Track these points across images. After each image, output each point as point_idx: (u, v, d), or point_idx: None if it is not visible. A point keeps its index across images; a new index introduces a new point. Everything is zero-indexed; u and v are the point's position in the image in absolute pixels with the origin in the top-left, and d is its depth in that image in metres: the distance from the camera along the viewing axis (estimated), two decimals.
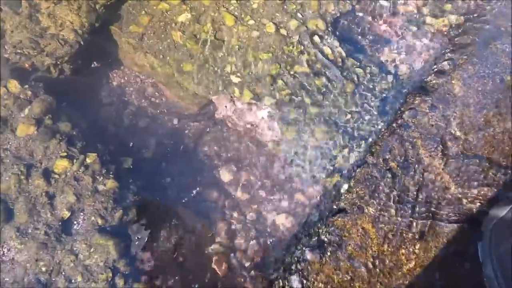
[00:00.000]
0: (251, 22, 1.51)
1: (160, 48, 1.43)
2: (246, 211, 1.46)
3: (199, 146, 1.52)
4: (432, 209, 1.31)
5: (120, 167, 1.25)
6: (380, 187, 1.31)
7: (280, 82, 1.46)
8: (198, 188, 1.44)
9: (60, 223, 1.09)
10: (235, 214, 1.47)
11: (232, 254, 1.37)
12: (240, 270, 1.30)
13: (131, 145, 1.39)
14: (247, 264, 1.34)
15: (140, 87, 1.49)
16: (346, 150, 1.40)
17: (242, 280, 1.26)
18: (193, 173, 1.47)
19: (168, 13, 1.47)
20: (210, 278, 1.28)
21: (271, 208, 1.44)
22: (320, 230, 1.24)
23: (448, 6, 1.71)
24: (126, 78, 1.48)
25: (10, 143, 1.15)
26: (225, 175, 1.52)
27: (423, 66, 1.67)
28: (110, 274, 1.06)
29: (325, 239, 1.20)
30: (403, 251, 1.20)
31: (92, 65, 1.47)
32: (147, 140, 1.45)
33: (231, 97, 1.43)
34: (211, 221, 1.43)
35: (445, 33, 1.74)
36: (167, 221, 1.31)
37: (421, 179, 1.33)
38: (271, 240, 1.37)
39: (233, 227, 1.44)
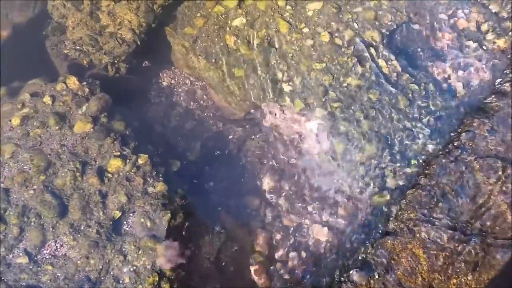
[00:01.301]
0: (306, 30, 1.47)
1: (213, 51, 1.41)
2: (287, 222, 1.44)
3: (243, 152, 1.50)
4: (487, 239, 1.25)
5: (169, 169, 1.25)
6: (433, 211, 1.26)
7: (332, 93, 1.42)
8: (239, 195, 1.43)
9: (111, 222, 1.10)
10: (276, 224, 1.45)
11: (272, 266, 1.35)
12: (280, 283, 1.28)
13: (177, 147, 1.39)
14: (286, 277, 1.32)
15: (190, 89, 1.49)
16: (397, 169, 1.35)
17: None
18: (235, 179, 1.45)
19: (223, 16, 1.46)
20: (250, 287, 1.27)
21: (312, 221, 1.41)
22: (368, 251, 1.20)
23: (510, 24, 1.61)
24: (176, 79, 1.48)
25: (67, 139, 1.16)
26: (267, 183, 1.50)
27: (482, 86, 1.59)
28: (157, 278, 1.06)
29: (373, 261, 1.16)
30: (455, 280, 1.14)
31: (143, 64, 1.48)
32: (192, 142, 1.44)
33: (281, 105, 1.41)
34: (252, 229, 1.41)
35: (507, 52, 1.65)
36: (210, 227, 1.30)
37: (476, 206, 1.27)
38: (312, 254, 1.34)
39: (273, 236, 1.43)
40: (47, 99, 1.18)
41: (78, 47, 1.29)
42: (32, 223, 1.05)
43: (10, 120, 1.14)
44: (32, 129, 1.14)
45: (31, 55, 1.30)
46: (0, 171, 1.09)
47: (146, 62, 1.46)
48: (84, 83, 1.24)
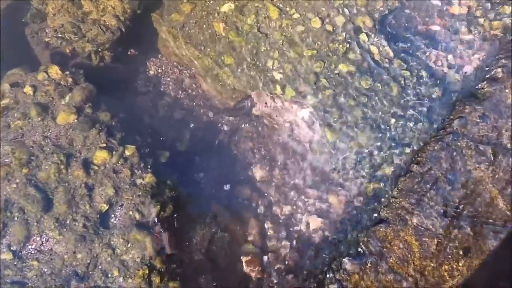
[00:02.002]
0: (296, 15, 1.43)
1: (201, 38, 1.37)
2: (279, 212, 1.42)
3: (233, 141, 1.47)
4: (478, 224, 1.25)
5: (157, 160, 1.22)
6: (425, 198, 1.25)
7: (323, 80, 1.39)
8: (230, 185, 1.40)
9: (98, 215, 1.06)
10: (268, 214, 1.43)
11: (264, 256, 1.34)
12: (273, 273, 1.27)
13: (166, 137, 1.36)
14: (279, 267, 1.31)
15: (178, 78, 1.45)
16: (389, 156, 1.33)
17: (274, 284, 1.23)
18: (226, 169, 1.43)
19: (211, 2, 1.40)
20: (242, 279, 1.26)
21: (305, 210, 1.40)
22: (360, 239, 1.19)
23: (506, 9, 1.58)
24: (163, 68, 1.44)
25: (50, 131, 1.12)
26: (259, 173, 1.48)
27: (474, 72, 1.57)
28: (147, 271, 1.04)
29: (365, 249, 1.15)
30: (446, 267, 1.14)
31: (129, 53, 1.43)
32: (181, 132, 1.41)
33: (272, 93, 1.37)
34: (243, 219, 1.39)
35: (499, 37, 1.63)
36: (201, 218, 1.28)
37: (468, 192, 1.27)
38: (305, 243, 1.33)
39: (265, 226, 1.41)
40: (28, 90, 1.13)
41: (60, 35, 1.23)
42: (16, 218, 1.01)
43: None
44: (13, 120, 1.09)
45: (10, 43, 1.24)
46: None
47: (132, 50, 1.41)
48: (67, 72, 1.19)
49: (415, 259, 1.15)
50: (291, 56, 1.39)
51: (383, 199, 1.26)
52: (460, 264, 1.14)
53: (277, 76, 1.37)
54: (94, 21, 1.25)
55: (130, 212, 1.08)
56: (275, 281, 1.26)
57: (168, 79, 1.44)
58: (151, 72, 1.43)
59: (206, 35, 1.37)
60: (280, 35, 1.40)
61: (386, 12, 1.53)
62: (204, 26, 1.38)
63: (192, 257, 1.16)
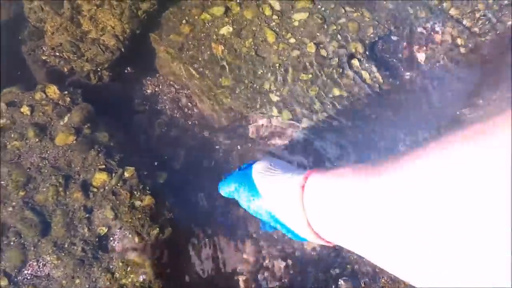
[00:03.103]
0: (292, 40, 1.48)
1: (200, 59, 1.38)
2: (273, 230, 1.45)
3: (229, 161, 1.49)
4: None
5: (156, 182, 1.22)
6: None
7: (318, 104, 1.44)
8: (226, 204, 1.41)
9: (97, 239, 1.05)
10: (262, 233, 1.45)
11: (259, 275, 1.35)
12: None
13: (162, 157, 1.36)
14: (274, 284, 1.32)
15: (174, 97, 1.45)
16: None
17: None
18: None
19: (210, 24, 1.43)
20: None
21: None
22: (353, 259, 1.23)
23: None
24: (160, 87, 1.44)
25: (48, 152, 1.10)
26: None
27: (457, 97, 1.67)
28: None
29: (359, 270, 1.19)
30: None
31: (126, 71, 1.42)
32: (177, 152, 1.41)
33: (269, 115, 1.41)
34: (238, 238, 1.40)
35: (478, 65, 1.75)
36: (198, 238, 1.29)
37: None
38: (299, 262, 1.36)
39: (260, 245, 1.43)
40: (25, 109, 1.11)
41: (58, 54, 1.22)
42: (12, 243, 0.98)
43: None
44: (10, 141, 1.07)
45: (5, 61, 1.21)
46: None
47: (129, 69, 1.40)
48: (66, 92, 1.17)
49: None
50: (287, 80, 1.43)
51: None
52: None
53: (274, 98, 1.41)
54: (93, 41, 1.25)
55: (130, 235, 1.07)
56: None
57: (165, 98, 1.44)
58: (149, 91, 1.43)
59: (205, 56, 1.39)
60: (277, 58, 1.44)
61: (376, 38, 1.61)
62: (203, 47, 1.39)
63: (191, 279, 1.17)
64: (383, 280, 1.16)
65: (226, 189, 0.86)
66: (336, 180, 0.53)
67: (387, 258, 0.48)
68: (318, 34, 1.54)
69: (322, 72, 1.45)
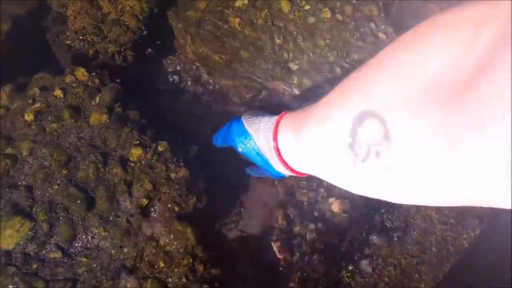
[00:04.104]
0: (307, 7, 1.48)
1: (218, 34, 1.40)
2: (301, 197, 1.48)
3: None
4: None
5: (188, 155, 1.26)
6: None
7: (338, 69, 1.45)
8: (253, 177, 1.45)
9: (139, 210, 1.10)
10: (290, 200, 1.49)
11: (292, 240, 1.39)
12: (302, 256, 1.33)
13: (190, 132, 1.39)
14: (309, 250, 1.36)
15: (195, 74, 1.47)
16: None
17: (307, 265, 1.29)
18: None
19: None
20: (274, 262, 1.31)
21: (326, 193, 1.46)
22: (384, 216, 1.26)
23: None
24: (182, 65, 1.46)
25: (84, 132, 1.14)
26: None
27: None
28: (191, 260, 1.08)
29: (391, 225, 1.22)
30: (465, 235, 1.23)
31: (147, 52, 1.44)
32: (202, 127, 1.44)
33: (290, 84, 1.42)
34: (269, 206, 1.44)
35: None
36: (232, 207, 1.33)
37: None
38: (330, 225, 1.39)
39: (289, 212, 1.46)
40: (58, 93, 1.14)
41: (82, 37, 1.24)
42: (61, 218, 1.03)
43: (23, 117, 1.11)
44: (47, 124, 1.11)
45: (33, 48, 1.24)
46: (20, 169, 1.06)
47: (150, 49, 1.43)
48: (93, 73, 1.20)
49: (436, 230, 1.23)
50: (305, 47, 1.44)
51: None
52: (477, 233, 1.23)
53: (294, 67, 1.42)
54: (114, 21, 1.26)
55: (169, 205, 1.12)
56: (305, 261, 1.32)
57: (187, 75, 1.46)
58: (170, 70, 1.45)
59: (222, 30, 1.40)
60: (294, 27, 1.44)
61: (390, 0, 1.60)
62: (220, 22, 1.41)
63: (228, 245, 1.21)
64: (415, 233, 1.19)
65: (220, 140, 1.05)
66: (300, 117, 0.64)
67: (337, 176, 0.56)
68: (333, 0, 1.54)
69: (339, 37, 1.46)
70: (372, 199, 1.49)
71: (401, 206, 1.23)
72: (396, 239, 1.18)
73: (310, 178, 1.47)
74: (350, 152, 0.46)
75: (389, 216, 1.22)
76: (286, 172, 0.77)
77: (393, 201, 0.51)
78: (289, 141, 0.67)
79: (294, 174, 0.76)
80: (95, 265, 1.03)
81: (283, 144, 0.70)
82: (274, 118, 0.74)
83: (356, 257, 1.17)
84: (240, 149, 0.90)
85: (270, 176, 0.92)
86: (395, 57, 0.42)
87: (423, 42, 0.38)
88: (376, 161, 0.42)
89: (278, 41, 1.43)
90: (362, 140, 0.44)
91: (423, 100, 0.36)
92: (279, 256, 1.31)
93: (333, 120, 0.50)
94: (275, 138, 0.71)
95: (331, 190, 1.44)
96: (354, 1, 1.52)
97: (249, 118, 0.86)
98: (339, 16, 1.48)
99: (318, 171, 0.62)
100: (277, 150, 0.71)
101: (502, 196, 0.31)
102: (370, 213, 1.27)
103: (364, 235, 1.22)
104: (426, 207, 1.23)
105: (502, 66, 0.28)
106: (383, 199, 0.52)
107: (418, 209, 1.22)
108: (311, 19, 1.46)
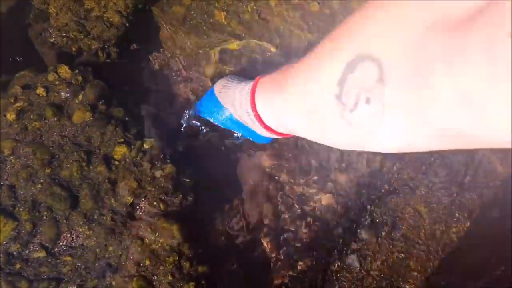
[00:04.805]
0: (295, 1, 1.46)
1: (204, 28, 1.39)
2: (290, 192, 1.48)
3: None
4: (479, 188, 1.33)
5: (175, 151, 1.25)
6: (431, 168, 1.32)
7: None
8: (241, 171, 1.44)
9: (124, 208, 1.09)
10: (279, 195, 1.48)
11: (281, 236, 1.39)
12: (292, 251, 1.33)
13: (175, 127, 1.38)
14: (297, 245, 1.36)
15: (181, 69, 1.46)
16: None
17: (296, 261, 1.29)
18: (235, 156, 1.46)
19: None
20: (263, 259, 1.31)
21: (316, 188, 1.45)
22: (374, 211, 1.26)
23: None
24: (166, 61, 1.44)
25: (67, 130, 1.13)
26: (266, 161, 1.52)
27: None
28: (177, 257, 1.08)
29: (379, 220, 1.22)
30: (454, 229, 1.22)
31: (131, 48, 1.43)
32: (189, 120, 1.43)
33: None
34: (258, 202, 1.44)
35: None
36: (220, 203, 1.32)
37: (470, 160, 1.34)
38: (319, 220, 1.39)
39: (279, 208, 1.46)
40: (40, 91, 1.13)
41: (64, 34, 1.22)
42: (44, 217, 1.03)
43: (5, 116, 1.09)
44: (30, 122, 1.10)
45: (15, 46, 1.23)
46: (2, 169, 1.05)
47: (135, 45, 1.41)
48: (77, 71, 1.19)
49: (425, 224, 1.22)
50: (292, 41, 1.42)
51: (391, 172, 1.33)
52: (467, 225, 1.23)
53: (281, 60, 1.41)
54: (98, 18, 1.25)
55: (155, 203, 1.11)
56: (293, 257, 1.31)
57: (172, 71, 1.45)
58: (156, 66, 1.43)
59: (208, 24, 1.38)
60: (281, 20, 1.43)
61: None
62: (206, 16, 1.39)
63: (216, 242, 1.21)
64: (403, 227, 1.19)
65: (194, 116, 1.11)
66: (281, 77, 0.65)
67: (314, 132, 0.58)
68: None
69: (328, 31, 1.43)
70: (361, 192, 1.47)
71: (389, 200, 1.22)
72: (384, 233, 1.17)
73: (299, 173, 1.47)
74: (337, 103, 0.44)
75: (378, 211, 1.21)
76: (272, 136, 0.78)
77: (385, 151, 0.48)
78: (271, 105, 0.67)
79: (280, 137, 0.76)
80: (79, 264, 1.02)
81: (264, 111, 0.70)
82: (249, 86, 0.73)
83: (344, 252, 1.17)
84: (218, 123, 0.92)
85: (256, 141, 0.93)
86: None
87: None
88: (366, 109, 0.40)
89: (266, 34, 1.41)
90: (350, 88, 0.42)
91: (426, 36, 0.34)
92: (268, 252, 1.31)
93: (321, 71, 0.47)
94: (253, 107, 0.70)
95: (320, 185, 1.43)
96: None
97: (222, 89, 0.86)
98: (326, 10, 1.46)
99: (303, 132, 0.61)
100: (258, 118, 0.71)
101: (504, 127, 0.29)
102: (359, 208, 1.26)
103: (352, 230, 1.22)
104: (415, 201, 1.22)
105: None
106: (372, 150, 0.50)
107: (407, 203, 1.22)
108: (299, 12, 1.44)
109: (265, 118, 0.70)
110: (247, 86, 0.73)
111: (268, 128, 0.72)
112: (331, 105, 0.45)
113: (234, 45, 1.40)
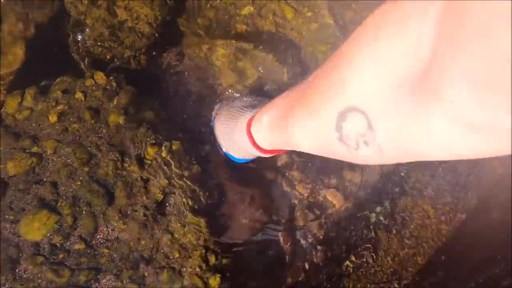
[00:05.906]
0: (309, 14, 1.54)
1: (227, 39, 1.45)
2: (302, 190, 1.53)
3: None
4: (481, 190, 1.39)
5: (200, 153, 1.31)
6: (437, 171, 1.38)
7: None
8: (258, 169, 1.50)
9: (155, 205, 1.15)
10: (292, 192, 1.54)
11: (296, 232, 1.45)
12: (306, 246, 1.38)
13: (199, 131, 1.44)
14: (310, 241, 1.42)
15: (203, 77, 1.52)
16: None
17: (308, 255, 1.34)
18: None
19: (232, 6, 1.49)
20: (280, 253, 1.37)
21: (326, 186, 1.51)
22: (384, 210, 1.32)
23: None
24: (189, 68, 1.51)
25: (103, 132, 1.19)
26: (282, 159, 1.58)
27: None
28: (203, 251, 1.14)
29: (390, 219, 1.28)
30: (459, 229, 1.28)
31: (159, 55, 1.49)
32: (209, 125, 1.49)
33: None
34: (273, 199, 1.50)
35: None
36: (242, 199, 1.38)
37: (472, 164, 1.40)
38: (333, 218, 1.44)
39: (291, 204, 1.52)
40: (79, 95, 1.20)
41: (100, 43, 1.29)
42: (84, 212, 1.09)
43: (47, 118, 1.16)
44: (70, 124, 1.16)
45: (54, 53, 1.29)
46: (45, 167, 1.11)
47: (163, 53, 1.48)
48: (111, 77, 1.25)
49: (432, 224, 1.28)
50: (307, 52, 1.49)
51: (399, 174, 1.39)
52: (470, 226, 1.28)
53: (297, 69, 1.47)
54: (130, 29, 1.32)
55: (183, 199, 1.17)
56: (308, 252, 1.37)
57: (194, 78, 1.51)
58: (179, 72, 1.50)
59: (231, 36, 1.45)
60: (297, 33, 1.49)
61: None
62: (227, 28, 1.46)
63: (239, 236, 1.26)
64: (412, 226, 1.25)
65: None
66: (279, 117, 0.72)
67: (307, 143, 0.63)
68: (334, 6, 1.59)
69: (340, 42, 1.50)
70: (372, 192, 1.52)
71: (399, 201, 1.28)
72: (394, 231, 1.23)
73: (314, 171, 1.53)
74: (342, 144, 0.48)
75: (388, 211, 1.27)
76: (263, 155, 0.90)
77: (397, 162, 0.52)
78: (271, 138, 0.76)
79: (270, 154, 0.89)
80: (115, 256, 1.08)
81: (264, 143, 0.81)
82: (244, 129, 0.87)
83: (358, 249, 1.23)
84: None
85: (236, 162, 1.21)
86: (364, 53, 0.41)
87: (384, 38, 0.38)
88: (367, 148, 0.45)
89: (282, 46, 1.48)
90: (348, 133, 0.46)
91: (397, 91, 0.37)
92: (284, 247, 1.37)
93: (319, 118, 0.52)
94: (256, 146, 0.84)
95: (334, 184, 1.49)
96: (354, 6, 1.57)
97: (220, 127, 1.08)
98: (340, 22, 1.53)
99: (314, 152, 0.65)
100: (260, 149, 0.82)
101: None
102: (370, 207, 1.32)
103: (365, 228, 1.28)
104: (423, 201, 1.28)
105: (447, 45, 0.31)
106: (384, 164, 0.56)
107: (416, 203, 1.27)
108: (314, 25, 1.51)
109: (268, 148, 0.82)
110: (243, 129, 0.87)
111: (270, 152, 0.84)
112: (337, 145, 0.49)
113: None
